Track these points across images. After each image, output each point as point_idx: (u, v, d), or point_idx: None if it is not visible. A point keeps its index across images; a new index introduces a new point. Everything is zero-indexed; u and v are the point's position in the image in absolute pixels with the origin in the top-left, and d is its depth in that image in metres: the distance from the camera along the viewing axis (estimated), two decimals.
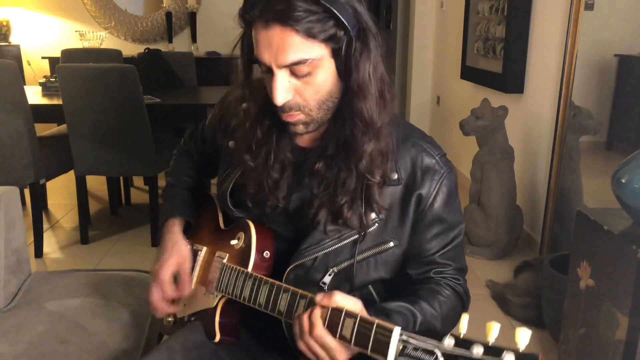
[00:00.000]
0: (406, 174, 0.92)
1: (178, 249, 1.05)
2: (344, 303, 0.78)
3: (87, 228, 2.93)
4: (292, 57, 0.81)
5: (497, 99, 3.00)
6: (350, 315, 0.75)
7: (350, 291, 0.96)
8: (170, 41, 4.84)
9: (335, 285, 0.94)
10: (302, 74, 0.83)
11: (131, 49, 4.68)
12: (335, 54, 0.84)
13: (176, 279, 1.04)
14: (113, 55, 3.84)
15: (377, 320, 0.72)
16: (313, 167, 0.92)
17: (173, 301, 1.05)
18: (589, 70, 2.39)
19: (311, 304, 0.81)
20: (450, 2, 4.32)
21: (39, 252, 2.72)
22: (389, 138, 0.90)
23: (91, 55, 3.71)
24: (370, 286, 0.99)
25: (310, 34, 0.80)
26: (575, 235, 1.69)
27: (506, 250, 2.76)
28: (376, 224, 0.92)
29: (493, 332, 0.67)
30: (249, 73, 0.93)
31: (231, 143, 1.00)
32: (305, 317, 0.79)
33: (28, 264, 1.55)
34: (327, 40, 0.82)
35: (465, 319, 0.71)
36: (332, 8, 0.79)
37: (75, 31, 4.63)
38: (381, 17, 7.28)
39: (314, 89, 0.85)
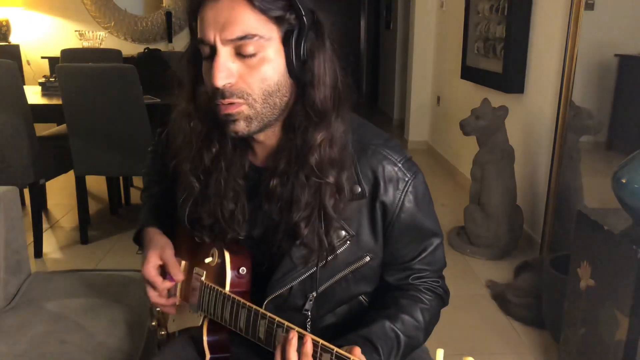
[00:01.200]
0: (369, 186, 0.88)
1: (155, 242, 1.01)
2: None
3: (87, 228, 2.93)
4: (239, 29, 0.76)
5: (497, 99, 3.00)
6: (326, 350, 0.72)
7: (334, 309, 0.95)
8: (170, 41, 4.84)
9: (317, 307, 0.92)
10: (248, 53, 0.77)
11: (131, 49, 4.68)
12: (286, 42, 0.79)
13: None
14: (113, 55, 3.84)
15: (352, 358, 0.70)
16: (267, 186, 0.86)
17: (170, 292, 1.02)
18: (589, 70, 2.39)
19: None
20: (450, 2, 4.32)
21: (38, 253, 2.72)
22: (343, 138, 0.84)
23: (91, 55, 3.70)
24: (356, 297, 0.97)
25: (261, 8, 0.76)
26: (576, 235, 1.69)
27: (506, 250, 2.76)
28: (348, 242, 0.88)
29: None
30: (195, 87, 0.87)
31: (183, 164, 0.91)
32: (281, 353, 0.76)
33: (28, 264, 1.55)
34: (278, 21, 0.78)
35: (440, 354, 0.69)
36: None
37: (75, 31, 4.63)
38: (381, 17, 7.28)
39: (260, 76, 0.79)
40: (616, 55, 2.35)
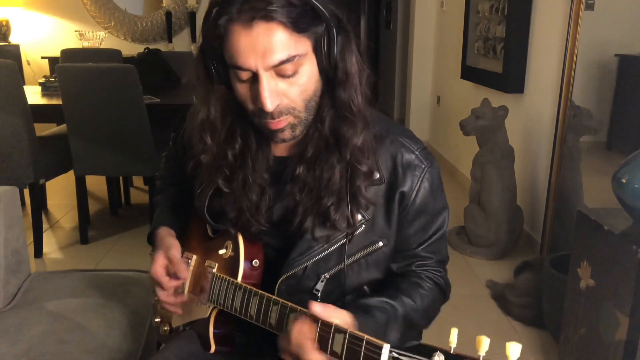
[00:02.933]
0: (388, 172, 0.91)
1: (163, 243, 1.03)
2: (335, 317, 0.75)
3: (87, 228, 2.93)
4: (280, 55, 0.77)
5: (497, 99, 3.00)
6: (339, 330, 0.73)
7: (344, 295, 0.96)
8: (170, 41, 4.84)
9: (328, 291, 0.93)
10: (288, 73, 0.80)
11: (131, 49, 4.68)
12: (317, 49, 0.81)
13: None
14: (113, 55, 3.84)
15: (366, 337, 0.70)
16: (293, 173, 0.89)
17: (177, 291, 1.03)
18: (589, 70, 2.39)
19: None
20: (450, 2, 4.32)
21: (38, 252, 2.72)
22: (369, 135, 0.88)
23: (91, 55, 3.70)
24: (364, 286, 0.98)
25: (296, 28, 0.77)
26: (576, 235, 1.69)
27: (506, 250, 2.76)
28: (363, 225, 0.91)
29: (484, 346, 0.67)
30: (210, 89, 0.88)
31: (203, 157, 0.93)
32: (295, 335, 0.76)
33: (28, 264, 1.55)
34: (311, 34, 0.79)
35: (454, 332, 0.70)
36: (312, 0, 0.78)
37: (75, 31, 4.63)
38: (381, 17, 7.28)
39: (300, 88, 0.82)
40: (616, 55, 2.35)
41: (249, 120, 0.88)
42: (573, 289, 1.69)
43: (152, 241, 1.09)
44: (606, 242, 1.53)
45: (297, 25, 0.77)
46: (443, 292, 0.99)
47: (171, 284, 1.00)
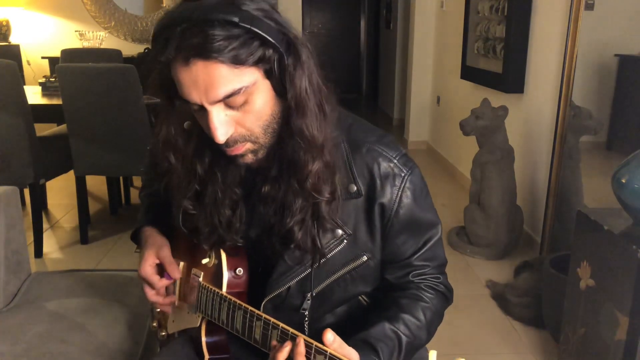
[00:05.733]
0: (365, 184, 0.87)
1: (152, 241, 1.01)
2: (342, 353, 0.74)
3: (87, 228, 2.93)
4: (223, 91, 0.73)
5: (497, 99, 3.00)
6: (320, 352, 0.72)
7: (333, 309, 0.95)
8: None
9: (316, 307, 0.92)
10: (238, 104, 0.76)
11: (131, 49, 4.68)
12: (269, 74, 0.77)
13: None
14: (113, 55, 3.84)
15: (344, 358, 0.69)
16: (261, 191, 0.86)
17: (168, 290, 1.03)
18: (589, 70, 2.39)
19: (283, 336, 0.78)
20: (450, 2, 4.32)
21: (38, 252, 2.72)
22: (335, 150, 0.84)
23: (91, 55, 3.70)
24: (360, 296, 0.97)
25: (237, 61, 0.72)
26: (575, 235, 1.69)
27: (506, 250, 2.76)
28: (345, 241, 0.88)
29: None
30: (170, 108, 0.84)
31: (172, 167, 0.88)
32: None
33: (28, 264, 1.55)
34: (256, 63, 0.74)
35: (433, 355, 0.68)
36: (252, 28, 0.72)
37: (75, 31, 4.63)
38: (381, 17, 7.28)
39: (255, 116, 0.78)
40: (616, 55, 2.35)
41: None
42: (573, 289, 1.69)
43: (137, 239, 1.08)
44: (606, 242, 1.53)
45: (238, 58, 0.72)
46: (445, 297, 0.97)
47: (162, 283, 0.98)
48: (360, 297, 0.97)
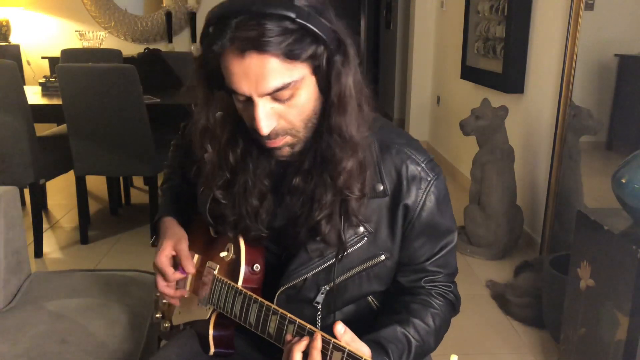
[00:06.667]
0: (392, 185, 0.89)
1: (171, 232, 1.02)
2: (354, 346, 0.75)
3: (87, 228, 2.93)
4: (274, 84, 0.75)
5: (497, 99, 3.00)
6: (337, 348, 0.73)
7: (345, 306, 0.96)
8: (170, 41, 4.84)
9: (329, 302, 0.93)
10: (285, 98, 0.78)
11: (131, 49, 4.68)
12: (316, 71, 0.79)
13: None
14: (113, 55, 3.84)
15: (364, 357, 0.70)
16: (291, 183, 0.88)
17: (178, 284, 1.03)
18: (589, 70, 2.39)
19: (300, 331, 0.79)
20: (450, 2, 4.32)
21: (38, 252, 2.72)
22: (367, 150, 0.86)
23: (91, 55, 3.70)
24: (369, 296, 0.97)
25: (290, 56, 0.74)
26: (576, 235, 1.69)
27: (506, 250, 2.76)
28: (365, 238, 0.89)
29: None
30: (210, 97, 0.86)
31: (207, 155, 0.90)
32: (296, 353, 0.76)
33: (28, 264, 1.55)
34: (307, 60, 0.76)
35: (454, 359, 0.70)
36: (308, 24, 0.74)
37: (75, 31, 4.63)
38: (381, 17, 7.28)
39: (298, 110, 0.80)
40: (616, 55, 2.35)
41: None
42: (573, 289, 1.69)
43: (156, 230, 1.09)
44: (606, 242, 1.53)
45: (292, 53, 0.74)
46: (453, 306, 0.98)
47: (175, 276, 0.99)
48: (370, 298, 0.98)
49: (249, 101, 0.78)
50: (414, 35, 4.85)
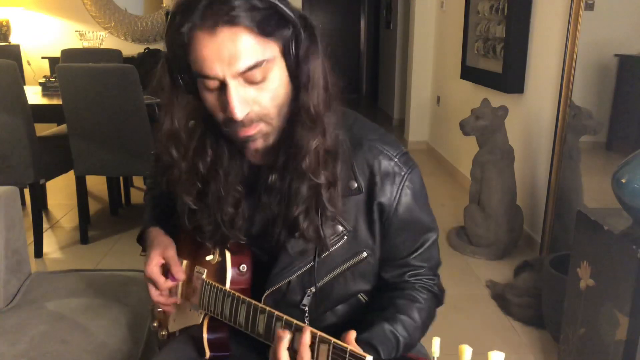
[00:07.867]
0: (366, 182, 0.88)
1: (158, 241, 1.02)
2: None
3: (87, 228, 2.93)
4: (247, 61, 0.74)
5: (497, 99, 3.00)
6: (324, 341, 0.73)
7: (335, 306, 0.96)
8: None
9: (316, 304, 0.93)
10: (257, 80, 0.77)
11: (131, 49, 4.68)
12: (286, 54, 0.78)
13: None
14: (113, 55, 3.84)
15: (349, 347, 0.70)
16: (267, 182, 0.86)
17: (171, 291, 1.03)
18: (589, 70, 2.39)
19: (287, 327, 0.79)
20: (450, 2, 4.32)
21: (39, 252, 2.72)
22: (338, 143, 0.84)
23: (91, 55, 3.70)
24: (359, 294, 0.97)
25: (261, 32, 0.74)
26: (575, 235, 1.69)
27: (506, 250, 2.76)
28: (345, 237, 0.89)
29: (466, 355, 0.67)
30: (175, 100, 0.84)
31: (177, 166, 0.88)
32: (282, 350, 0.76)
33: (28, 264, 1.55)
34: (278, 38, 0.77)
35: (436, 342, 0.70)
36: (276, 2, 0.75)
37: (75, 31, 4.63)
38: (381, 17, 7.28)
39: (270, 94, 0.79)
40: (616, 55, 2.35)
41: (220, 131, 0.85)
42: (573, 289, 1.69)
43: (143, 241, 1.08)
44: (606, 242, 1.53)
45: (263, 29, 0.74)
46: (437, 298, 0.99)
47: (167, 284, 0.99)
48: (360, 296, 0.98)
49: (222, 88, 0.77)
50: (414, 35, 4.85)
